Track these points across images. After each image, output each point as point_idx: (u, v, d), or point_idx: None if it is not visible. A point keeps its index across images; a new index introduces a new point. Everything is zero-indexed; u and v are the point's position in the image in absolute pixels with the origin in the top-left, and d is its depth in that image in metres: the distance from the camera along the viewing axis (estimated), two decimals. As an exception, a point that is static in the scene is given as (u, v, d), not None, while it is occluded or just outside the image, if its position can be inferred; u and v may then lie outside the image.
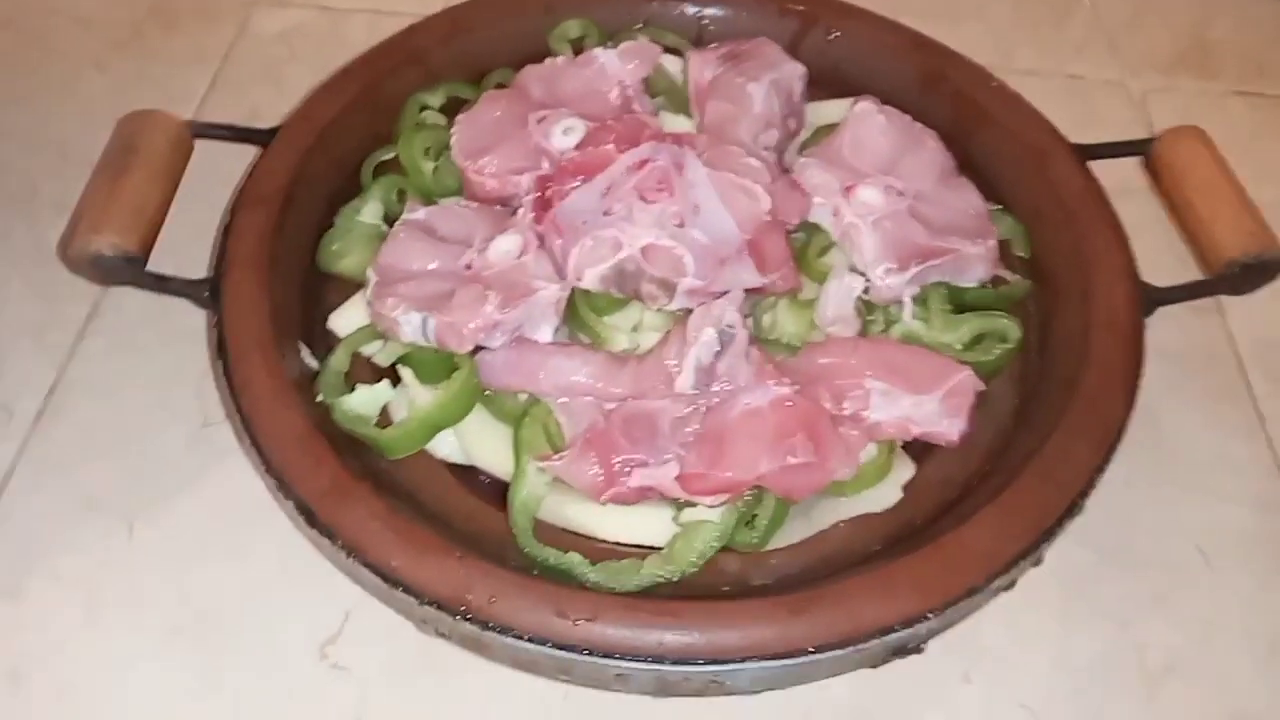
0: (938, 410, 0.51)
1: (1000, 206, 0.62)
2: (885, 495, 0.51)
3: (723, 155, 0.56)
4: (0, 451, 0.60)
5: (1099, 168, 0.62)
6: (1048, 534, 0.47)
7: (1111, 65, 0.90)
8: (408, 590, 0.44)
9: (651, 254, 0.53)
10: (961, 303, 0.58)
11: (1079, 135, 0.64)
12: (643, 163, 0.56)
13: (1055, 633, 0.56)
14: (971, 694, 0.53)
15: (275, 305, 0.54)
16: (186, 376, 0.63)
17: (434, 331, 0.51)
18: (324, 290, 0.59)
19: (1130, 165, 0.64)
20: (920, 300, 0.56)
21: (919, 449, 0.53)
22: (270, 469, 0.48)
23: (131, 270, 0.55)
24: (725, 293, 0.52)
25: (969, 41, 0.83)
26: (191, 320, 0.64)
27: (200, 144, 0.62)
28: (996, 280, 0.59)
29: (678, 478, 0.48)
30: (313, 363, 0.55)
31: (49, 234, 0.70)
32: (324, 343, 0.57)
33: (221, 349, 0.52)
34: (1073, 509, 0.48)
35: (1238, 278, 0.56)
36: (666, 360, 0.50)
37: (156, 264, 0.56)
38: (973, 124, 0.65)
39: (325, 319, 0.58)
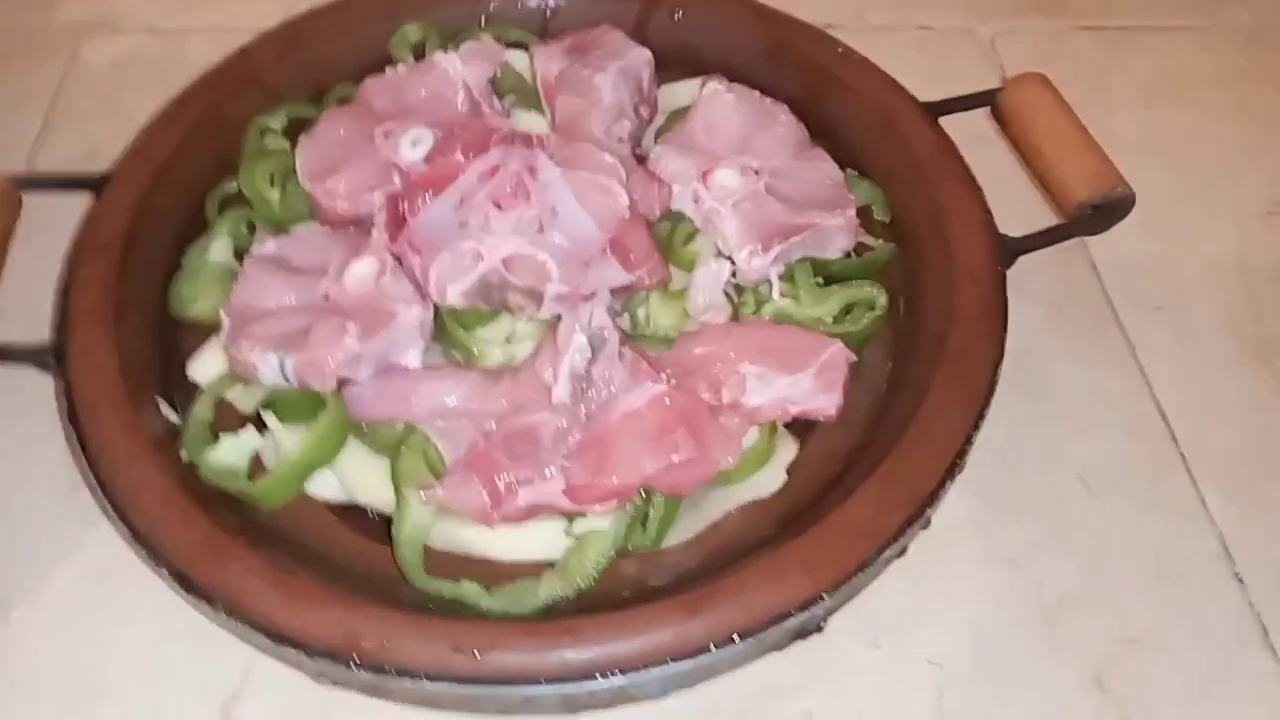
0: (813, 387, 0.51)
1: (857, 172, 0.62)
2: (770, 479, 0.51)
3: (576, 153, 0.55)
4: None
5: (950, 122, 0.63)
6: (931, 497, 0.48)
7: (959, 12, 0.91)
8: (297, 645, 0.43)
9: (513, 263, 0.52)
10: (828, 274, 0.58)
11: (933, 87, 0.65)
12: (494, 169, 0.55)
13: (953, 586, 0.57)
14: (878, 658, 0.54)
15: (126, 361, 0.52)
16: (49, 441, 0.60)
17: (293, 371, 0.49)
18: (180, 337, 0.57)
19: (981, 117, 0.64)
20: (788, 277, 0.57)
21: (801, 427, 0.53)
22: (137, 536, 0.46)
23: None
24: (593, 295, 0.52)
25: (819, 4, 0.84)
26: (47, 382, 0.61)
27: (37, 196, 0.59)
28: (860, 248, 0.60)
29: (565, 490, 0.47)
30: (174, 416, 0.52)
31: None
32: (185, 393, 0.54)
33: (72, 414, 0.49)
34: (953, 468, 0.49)
35: (1090, 219, 0.58)
36: (541, 371, 0.50)
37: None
38: (822, 91, 0.65)
39: (184, 368, 0.55)
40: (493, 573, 0.49)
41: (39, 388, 0.61)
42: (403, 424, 0.51)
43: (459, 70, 0.62)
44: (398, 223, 0.54)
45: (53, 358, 0.51)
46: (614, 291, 0.54)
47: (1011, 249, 0.57)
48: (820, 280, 0.57)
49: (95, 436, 0.48)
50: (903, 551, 0.49)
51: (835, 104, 0.65)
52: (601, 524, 0.48)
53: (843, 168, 0.61)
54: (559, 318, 0.52)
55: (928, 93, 0.64)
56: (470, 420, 0.50)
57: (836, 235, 0.57)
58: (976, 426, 0.50)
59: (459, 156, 0.55)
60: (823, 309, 0.56)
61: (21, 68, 0.81)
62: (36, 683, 0.53)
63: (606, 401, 0.49)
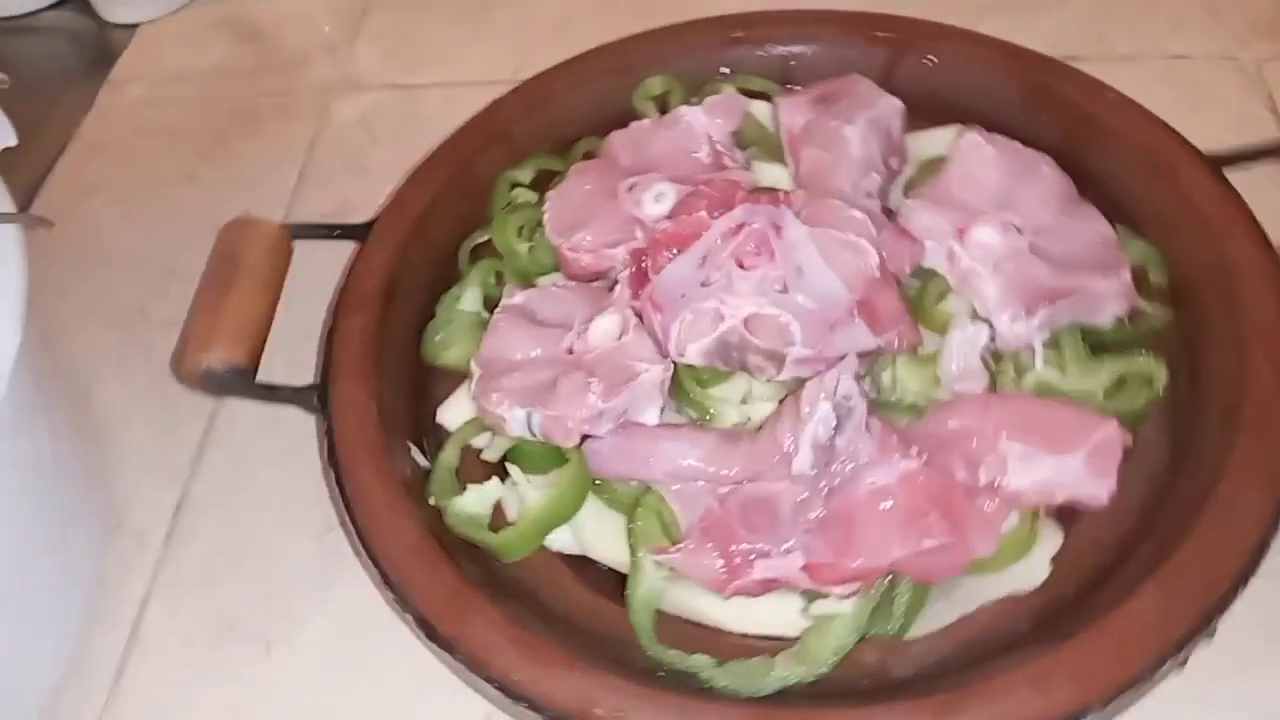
0: (1083, 470, 0.47)
1: (1129, 230, 0.57)
2: (1032, 571, 0.47)
3: (822, 210, 0.53)
4: (136, 578, 0.61)
5: (1234, 176, 0.56)
6: (1224, 601, 0.43)
7: (1217, 38, 0.82)
8: (531, 705, 0.43)
9: (755, 324, 0.51)
10: (1098, 342, 0.53)
11: (1193, 120, 0.59)
12: (739, 227, 0.53)
13: (1238, 697, 0.50)
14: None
15: (384, 408, 0.54)
16: (306, 483, 0.63)
17: (539, 426, 0.50)
18: (431, 383, 0.59)
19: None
20: (1052, 345, 0.52)
21: (1065, 514, 0.49)
22: (388, 583, 0.47)
23: (242, 382, 0.56)
24: (838, 359, 0.49)
25: (1057, 33, 0.82)
26: (305, 425, 0.65)
27: (299, 244, 0.63)
28: (1134, 314, 0.54)
29: (804, 568, 0.45)
30: (424, 461, 0.54)
31: (160, 354, 0.70)
32: (434, 436, 0.56)
33: (332, 458, 0.52)
34: (1250, 568, 0.43)
35: None
36: (781, 439, 0.48)
37: (266, 372, 0.57)
38: (1089, 140, 0.60)
39: (434, 413, 0.57)
40: (723, 644, 0.48)
41: (300, 430, 0.65)
42: (639, 483, 0.50)
43: (702, 123, 0.62)
44: (640, 279, 0.54)
45: (318, 401, 0.54)
46: (861, 356, 0.51)
47: (1318, 313, 0.50)
48: (1086, 351, 0.53)
49: (353, 482, 0.50)
50: (1183, 664, 0.43)
51: (1103, 154, 0.60)
52: (843, 607, 0.45)
53: (1113, 224, 0.56)
54: (800, 380, 0.50)
55: (1188, 129, 0.58)
56: (707, 483, 0.49)
57: (1109, 300, 0.52)
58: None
59: (703, 213, 0.55)
60: (1092, 382, 0.51)
61: (277, 128, 0.86)
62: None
63: (852, 475, 0.46)
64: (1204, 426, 0.49)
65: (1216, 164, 0.57)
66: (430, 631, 0.46)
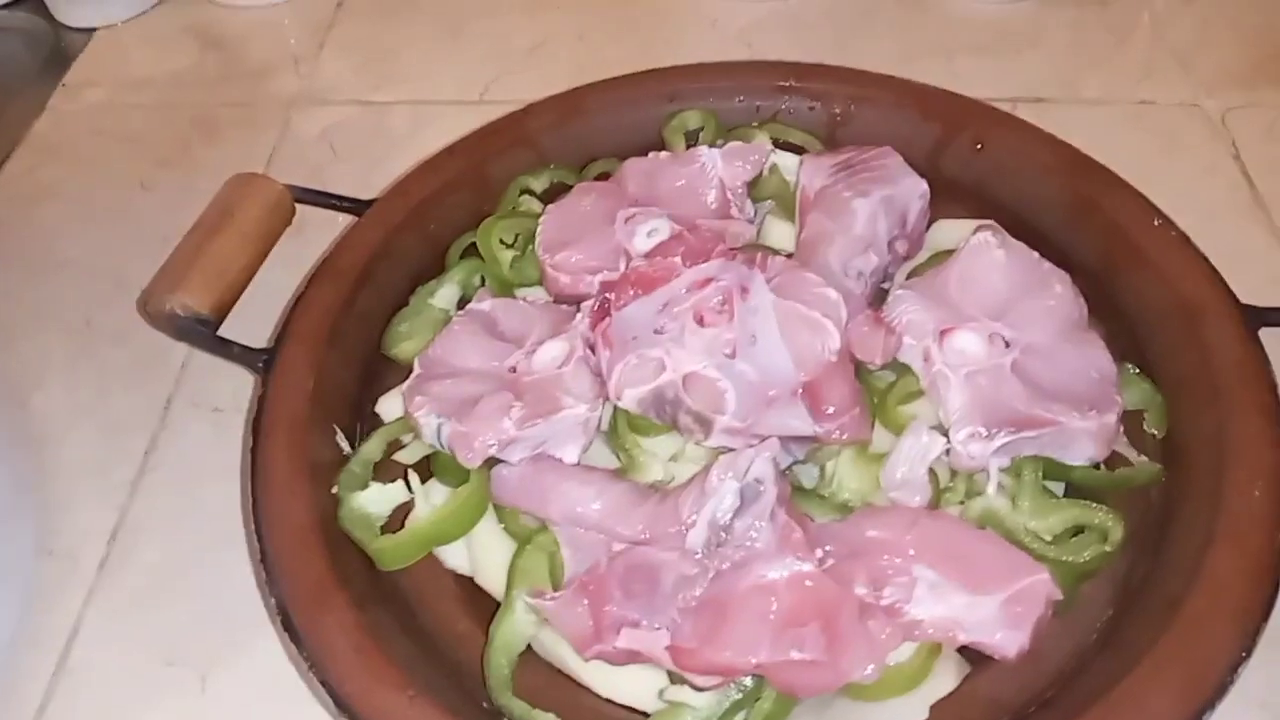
0: (995, 617, 0.43)
1: (1138, 370, 0.52)
2: (910, 712, 0.43)
3: (796, 282, 0.51)
4: (67, 603, 0.58)
5: (1272, 337, 0.51)
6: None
7: (1183, 86, 0.84)
8: (352, 718, 0.42)
9: (692, 384, 0.48)
10: (1067, 480, 0.49)
11: (1159, 166, 0.58)
12: (706, 281, 0.51)
13: None
14: None
15: (323, 384, 0.53)
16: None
17: (447, 439, 0.49)
18: (386, 372, 0.58)
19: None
20: (1012, 472, 0.48)
21: (973, 655, 0.44)
22: (263, 559, 0.47)
23: (201, 332, 0.56)
24: (764, 439, 0.46)
25: (1030, 72, 0.86)
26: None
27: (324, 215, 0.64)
28: (1116, 460, 0.50)
29: (668, 648, 0.43)
30: (348, 449, 0.54)
31: (106, 365, 0.70)
32: (369, 426, 0.56)
33: (256, 426, 0.52)
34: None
35: None
36: (682, 509, 0.45)
37: (246, 334, 0.57)
38: (1122, 265, 0.56)
39: (378, 403, 0.56)
40: (582, 706, 0.45)
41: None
42: (538, 520, 0.48)
43: (717, 166, 0.60)
44: (601, 313, 0.52)
45: (262, 366, 0.54)
46: (798, 440, 0.48)
47: (1312, 516, 0.44)
48: (1053, 487, 0.48)
49: (264, 451, 0.50)
50: None
51: (1133, 284, 0.55)
52: (694, 699, 0.42)
53: (1121, 360, 0.51)
54: (728, 451, 0.47)
55: (1155, 174, 0.57)
56: (603, 536, 0.47)
57: (1082, 440, 0.48)
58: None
59: (677, 259, 0.52)
60: (1042, 523, 0.47)
61: (239, 138, 0.85)
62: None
63: (742, 563, 0.43)
64: (1148, 604, 0.44)
65: (1254, 320, 0.52)
66: (285, 618, 0.45)
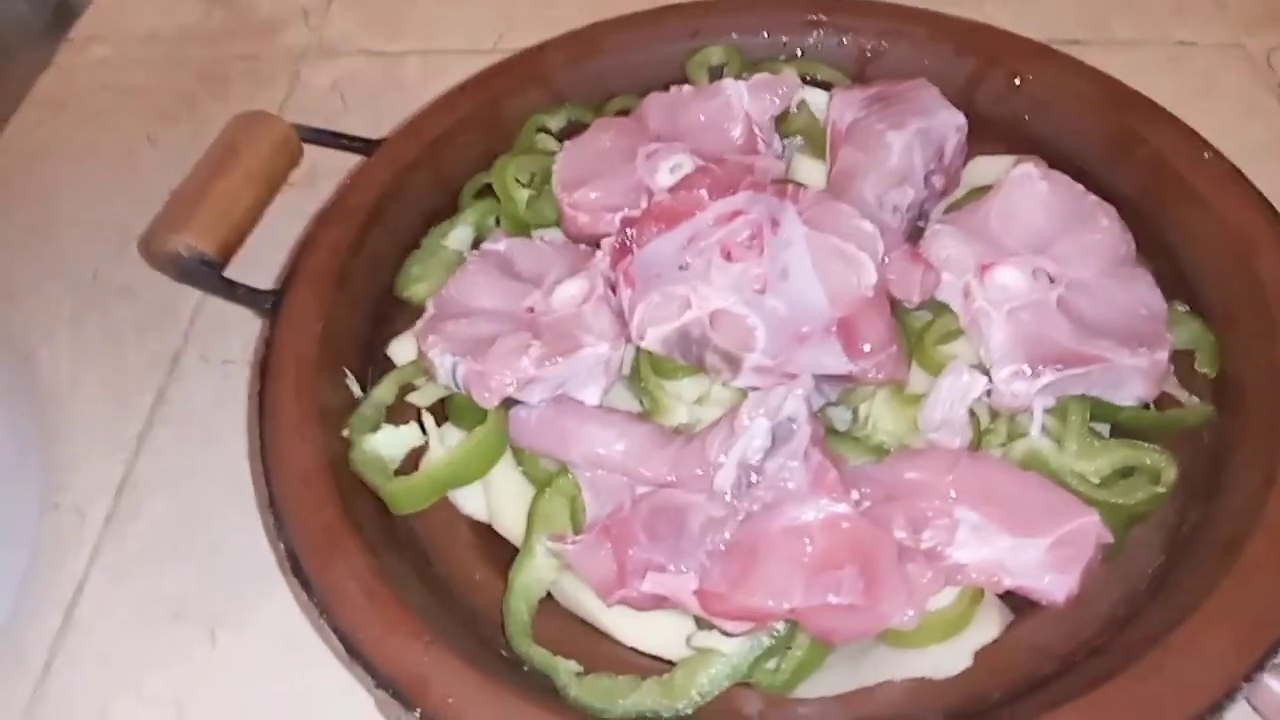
0: (1042, 560, 0.40)
1: (1187, 308, 0.50)
2: (952, 658, 0.41)
3: (830, 214, 0.48)
4: (73, 559, 0.57)
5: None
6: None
7: (1222, 25, 0.81)
8: (366, 666, 0.40)
9: (720, 321, 0.46)
10: (1115, 422, 0.47)
11: (1200, 109, 0.55)
12: (733, 214, 0.49)
13: None
14: None
15: (332, 327, 0.51)
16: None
17: (462, 379, 0.46)
18: (397, 314, 0.56)
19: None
20: (1057, 414, 0.46)
21: (1019, 603, 0.42)
22: (272, 503, 0.45)
23: (205, 273, 0.54)
24: (796, 376, 0.44)
25: (1058, 18, 0.82)
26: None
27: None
28: (1166, 400, 0.47)
29: (696, 592, 0.40)
30: (359, 392, 0.52)
31: (113, 320, 0.68)
32: (381, 369, 0.53)
33: (264, 368, 0.50)
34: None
35: None
36: (710, 449, 0.43)
37: (254, 278, 0.55)
38: (1169, 200, 0.53)
39: (389, 345, 0.54)
40: (603, 654, 0.43)
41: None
42: (558, 463, 0.46)
43: (744, 100, 0.57)
44: (623, 250, 0.50)
45: (270, 307, 0.52)
46: (831, 379, 0.46)
47: (1376, 455, 0.42)
48: (1099, 429, 0.46)
49: (271, 393, 0.48)
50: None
51: (1181, 219, 0.52)
52: (725, 645, 0.40)
53: (1170, 299, 0.49)
54: (757, 392, 0.45)
55: (1195, 117, 0.54)
56: (625, 479, 0.45)
57: (1132, 379, 0.45)
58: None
59: (703, 193, 0.50)
60: (1090, 465, 0.44)
61: (247, 91, 0.83)
62: (237, 715, 0.52)
63: (773, 505, 0.41)
64: (1202, 549, 0.42)
65: (1313, 254, 0.49)
66: (294, 564, 0.43)
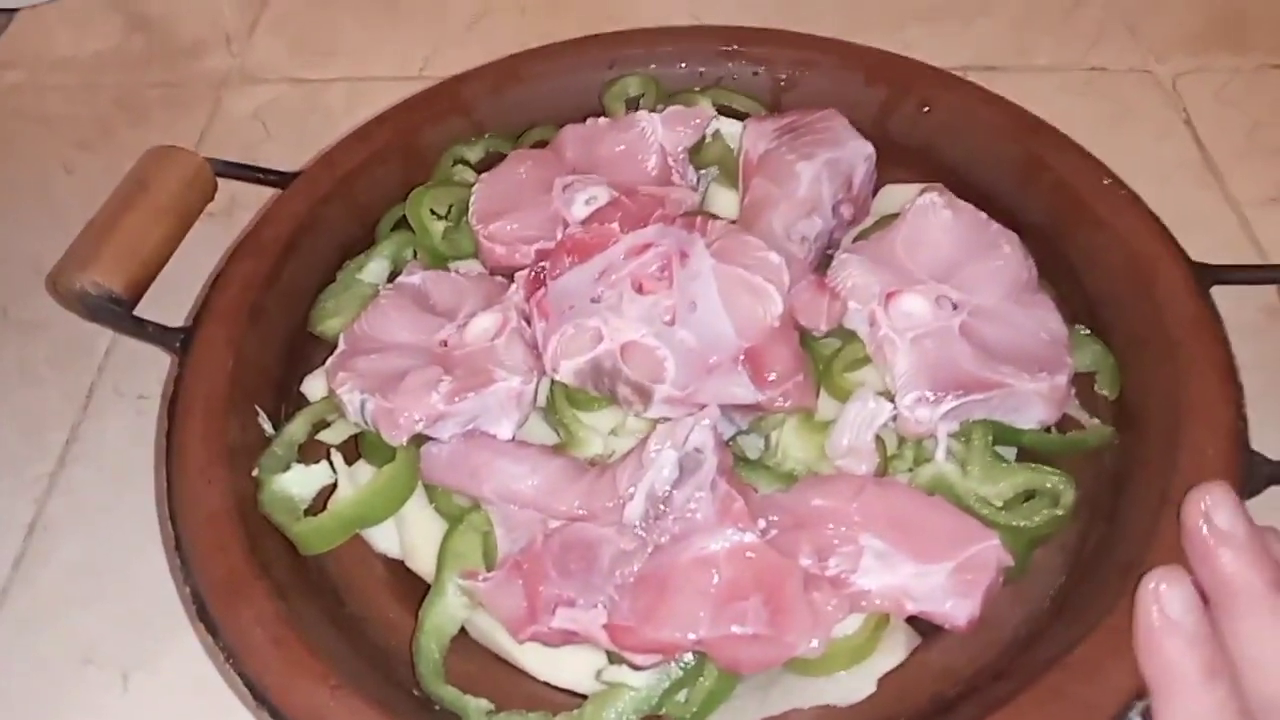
0: (945, 585, 0.41)
1: (1089, 331, 0.51)
2: (855, 685, 0.41)
3: (737, 246, 0.49)
4: None
5: (1224, 295, 0.50)
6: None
7: (1134, 51, 0.84)
8: (271, 713, 0.39)
9: (630, 352, 0.46)
10: (1018, 445, 0.48)
11: (1112, 133, 0.59)
12: (644, 247, 0.49)
13: None
14: None
15: (243, 364, 0.51)
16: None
17: (371, 416, 0.46)
18: (313, 351, 0.55)
19: (1266, 294, 0.51)
20: (961, 438, 0.47)
21: (927, 626, 0.43)
22: (178, 547, 0.44)
23: (114, 311, 0.53)
24: (704, 406, 0.45)
25: (980, 40, 0.86)
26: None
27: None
28: (1068, 423, 0.48)
29: (605, 626, 0.40)
30: (271, 431, 0.51)
31: (22, 357, 0.67)
32: (294, 407, 0.53)
33: (171, 408, 0.49)
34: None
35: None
36: (620, 482, 0.43)
37: (168, 315, 0.54)
38: (1071, 225, 0.54)
39: (302, 382, 0.54)
40: (517, 690, 0.43)
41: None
42: (471, 499, 0.46)
43: (658, 132, 0.57)
44: (536, 282, 0.50)
45: (180, 344, 0.51)
46: (740, 408, 0.47)
47: (1266, 473, 0.43)
48: (1003, 452, 0.47)
49: (179, 434, 0.47)
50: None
51: (1083, 243, 0.54)
52: (633, 679, 0.40)
53: (1072, 322, 0.50)
54: (667, 422, 0.45)
55: (1108, 141, 0.56)
56: (539, 513, 0.45)
57: (1033, 403, 0.46)
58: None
59: (615, 225, 0.50)
60: (993, 488, 0.45)
61: (166, 119, 0.82)
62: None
63: (681, 536, 0.42)
64: (1102, 569, 0.43)
65: (1206, 278, 0.50)
66: (201, 609, 0.42)
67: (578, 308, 0.49)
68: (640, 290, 0.48)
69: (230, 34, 0.90)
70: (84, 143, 0.80)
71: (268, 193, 0.61)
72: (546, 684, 0.44)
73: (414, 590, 0.46)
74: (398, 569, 0.48)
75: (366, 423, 0.47)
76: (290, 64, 0.86)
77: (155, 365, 0.66)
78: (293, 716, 0.39)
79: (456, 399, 0.46)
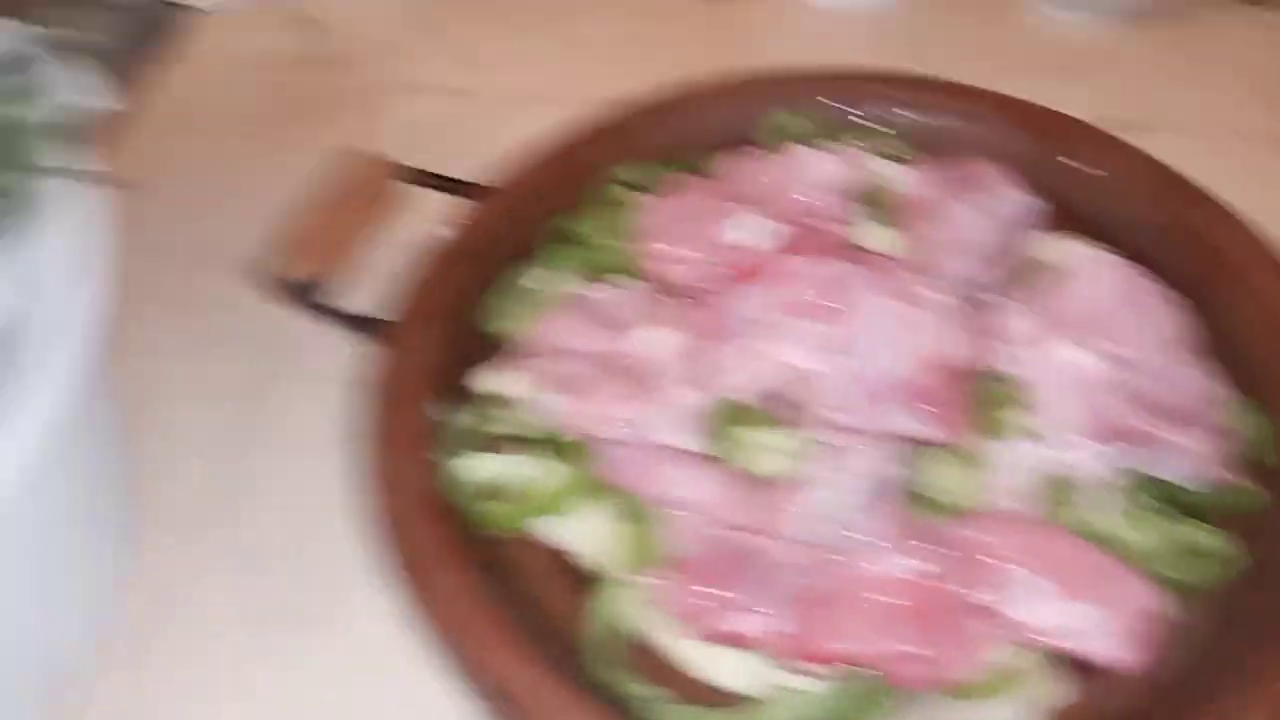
0: (1101, 627, 0.43)
1: (1245, 396, 0.52)
2: (1007, 715, 0.43)
3: (905, 283, 0.51)
4: (169, 564, 0.58)
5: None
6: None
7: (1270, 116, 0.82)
8: (477, 679, 0.43)
9: (799, 377, 0.49)
10: (1174, 500, 0.49)
11: (1248, 197, 0.58)
12: (811, 276, 0.52)
13: None
14: None
15: (435, 357, 0.54)
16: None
17: (562, 415, 0.49)
18: (482, 348, 0.58)
19: None
20: (1116, 487, 0.48)
21: (1084, 667, 0.44)
22: (381, 523, 0.48)
23: (303, 295, 0.58)
24: (873, 435, 0.47)
25: (1114, 95, 0.85)
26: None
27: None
28: (1224, 481, 0.50)
29: (772, 634, 0.43)
30: (453, 420, 0.54)
31: (213, 334, 0.70)
32: (461, 397, 0.56)
33: (373, 392, 0.52)
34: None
35: None
36: (792, 497, 0.46)
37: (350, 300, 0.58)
38: (1225, 287, 0.56)
39: (469, 375, 0.57)
40: (680, 688, 0.46)
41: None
42: (641, 500, 0.49)
43: (820, 169, 0.60)
44: (707, 302, 0.53)
45: (375, 335, 0.55)
46: (901, 439, 0.49)
47: None
48: (1153, 506, 0.49)
49: (381, 418, 0.51)
50: None
51: (1237, 307, 0.55)
52: (798, 684, 0.43)
53: (1231, 388, 0.52)
54: (831, 447, 0.48)
55: (1245, 208, 0.57)
56: (706, 521, 0.47)
57: (1183, 457, 0.48)
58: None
59: (790, 255, 0.53)
60: (1147, 539, 0.47)
61: (331, 119, 0.85)
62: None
63: (849, 555, 0.44)
64: (1256, 627, 0.44)
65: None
66: (406, 578, 0.46)
67: (748, 330, 0.51)
68: (806, 318, 0.51)
69: (394, 42, 0.94)
70: (256, 137, 0.85)
71: (427, 196, 0.65)
72: (702, 681, 0.46)
73: (580, 581, 0.49)
74: (564, 560, 0.50)
75: (554, 421, 0.50)
76: (450, 75, 0.90)
77: (332, 351, 0.67)
78: (492, 684, 0.42)
79: (640, 405, 0.49)
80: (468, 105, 0.88)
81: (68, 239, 0.48)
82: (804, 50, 0.91)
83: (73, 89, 0.51)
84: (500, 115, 0.85)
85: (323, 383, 0.67)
